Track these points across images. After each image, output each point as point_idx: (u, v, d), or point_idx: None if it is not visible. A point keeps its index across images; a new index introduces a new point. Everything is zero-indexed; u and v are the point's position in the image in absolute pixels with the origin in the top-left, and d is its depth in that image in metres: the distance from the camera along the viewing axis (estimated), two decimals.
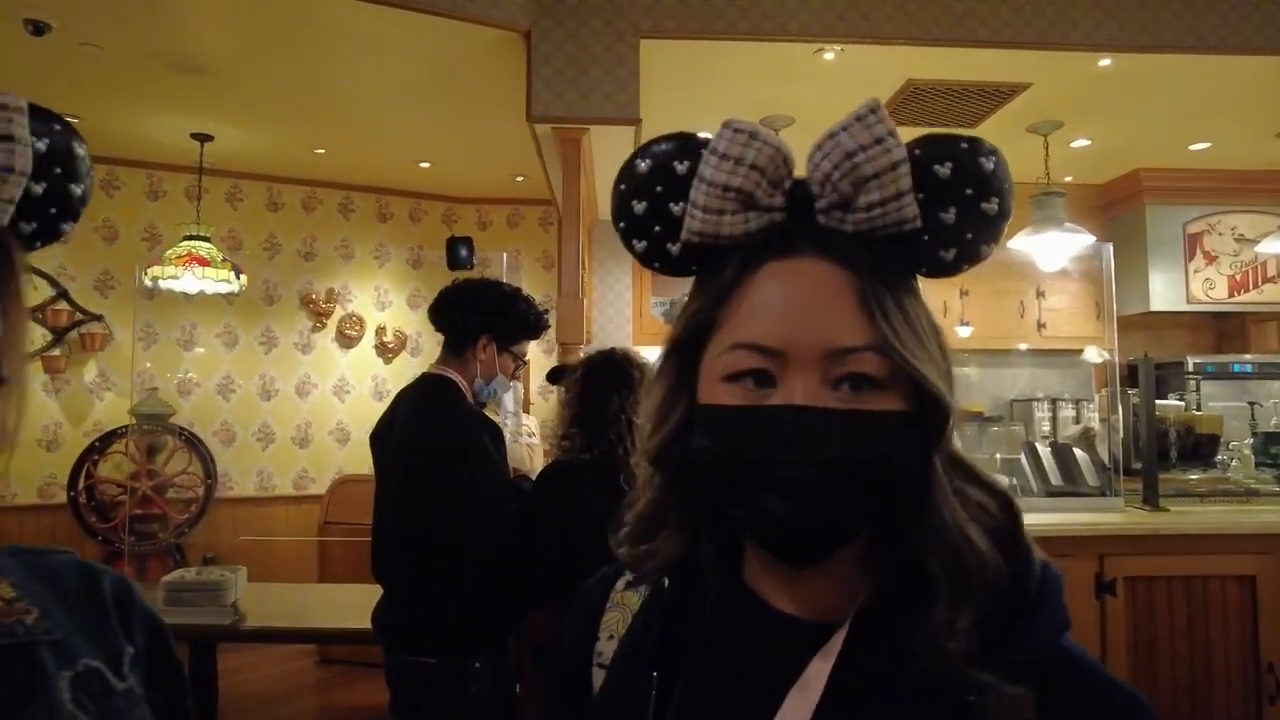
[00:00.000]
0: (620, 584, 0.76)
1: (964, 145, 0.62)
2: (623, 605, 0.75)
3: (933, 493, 0.60)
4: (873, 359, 0.58)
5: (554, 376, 2.50)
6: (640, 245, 0.67)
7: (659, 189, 0.65)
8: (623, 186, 0.67)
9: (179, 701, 0.71)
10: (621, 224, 0.67)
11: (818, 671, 0.59)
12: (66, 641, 0.62)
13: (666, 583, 0.69)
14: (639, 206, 0.66)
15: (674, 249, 0.66)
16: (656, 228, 0.66)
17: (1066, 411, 5.34)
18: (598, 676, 0.73)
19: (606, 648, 0.73)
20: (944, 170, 0.61)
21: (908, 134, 0.62)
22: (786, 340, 0.59)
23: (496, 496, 2.12)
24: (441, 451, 2.12)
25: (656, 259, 0.67)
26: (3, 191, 0.58)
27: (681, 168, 0.64)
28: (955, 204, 0.61)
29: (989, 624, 0.57)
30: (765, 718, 0.60)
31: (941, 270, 0.64)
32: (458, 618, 2.07)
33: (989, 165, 0.62)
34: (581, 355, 3.31)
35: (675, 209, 0.64)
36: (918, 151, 0.62)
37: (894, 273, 0.61)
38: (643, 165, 0.66)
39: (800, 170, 0.64)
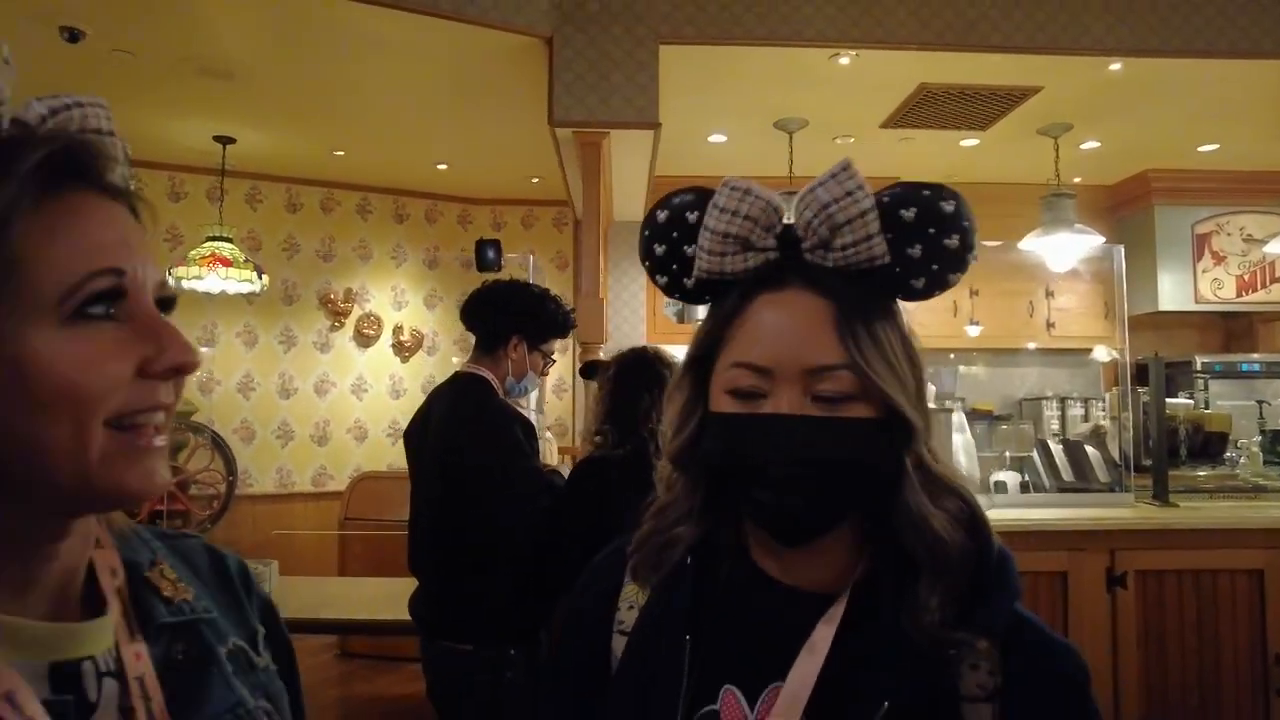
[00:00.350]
0: None
1: (926, 193, 0.73)
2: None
3: (902, 487, 0.71)
4: (846, 376, 0.69)
5: (587, 371, 2.56)
6: (662, 280, 0.80)
7: (675, 235, 0.78)
8: (647, 232, 0.79)
9: (294, 681, 0.73)
10: (647, 262, 0.80)
11: (823, 635, 0.71)
12: (218, 621, 0.65)
13: (689, 559, 0.79)
14: (660, 249, 0.78)
15: (689, 283, 0.78)
16: (674, 266, 0.78)
17: (1075, 410, 5.38)
18: (618, 643, 0.81)
19: (628, 617, 0.81)
20: (908, 214, 0.72)
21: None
22: (775, 359, 0.71)
23: (528, 493, 2.14)
24: (474, 449, 2.15)
25: (676, 290, 0.80)
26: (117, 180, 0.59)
27: (692, 217, 0.76)
28: (920, 241, 0.72)
29: (961, 594, 0.70)
30: (779, 674, 0.71)
31: (915, 295, 0.75)
32: (490, 614, 2.10)
33: (948, 208, 0.72)
34: (601, 354, 3.38)
35: (689, 250, 0.77)
36: (885, 199, 0.72)
37: (870, 301, 0.73)
38: (662, 215, 0.79)
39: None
